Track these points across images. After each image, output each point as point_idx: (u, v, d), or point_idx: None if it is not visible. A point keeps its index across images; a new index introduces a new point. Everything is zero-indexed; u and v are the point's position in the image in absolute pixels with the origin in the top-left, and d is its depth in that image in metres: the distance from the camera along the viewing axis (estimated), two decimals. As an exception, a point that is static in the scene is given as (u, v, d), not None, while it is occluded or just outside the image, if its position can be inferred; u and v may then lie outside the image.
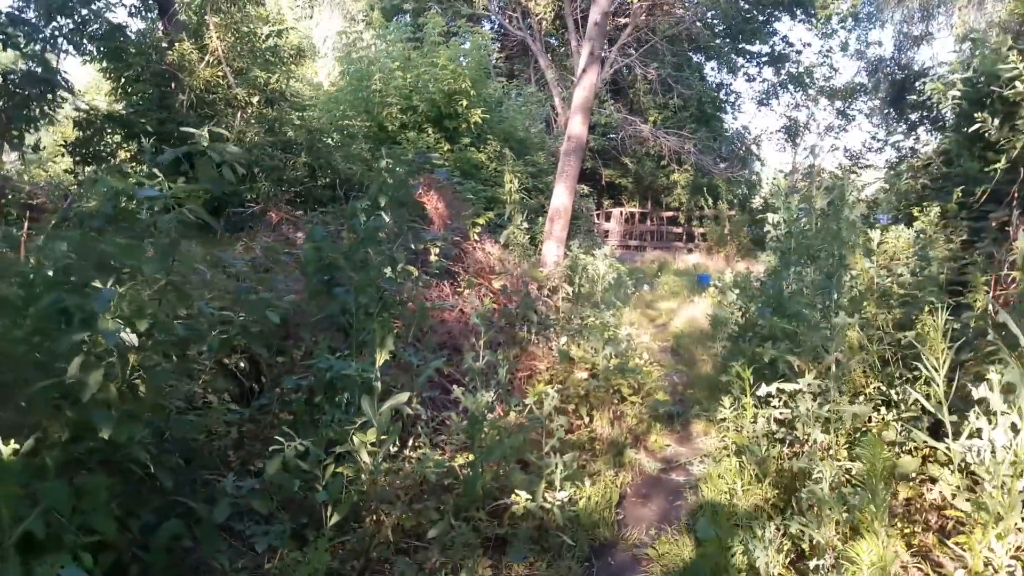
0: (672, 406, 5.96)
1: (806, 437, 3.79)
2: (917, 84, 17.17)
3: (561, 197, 8.04)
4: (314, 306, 4.57)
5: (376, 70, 13.21)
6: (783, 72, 23.07)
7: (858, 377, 4.06)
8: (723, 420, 5.55)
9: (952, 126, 7.72)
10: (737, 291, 8.60)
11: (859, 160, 22.11)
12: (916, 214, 7.06)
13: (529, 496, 3.42)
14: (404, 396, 3.21)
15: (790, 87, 23.09)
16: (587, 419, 5.10)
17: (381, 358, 3.26)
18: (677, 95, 19.61)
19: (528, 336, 5.57)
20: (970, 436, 3.35)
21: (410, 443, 3.93)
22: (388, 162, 5.24)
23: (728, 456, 4.54)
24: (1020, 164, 6.16)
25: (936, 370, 3.46)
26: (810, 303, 4.06)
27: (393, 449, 3.58)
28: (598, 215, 22.04)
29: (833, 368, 3.79)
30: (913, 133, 14.73)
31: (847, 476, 3.66)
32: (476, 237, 7.01)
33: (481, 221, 6.95)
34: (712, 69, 24.01)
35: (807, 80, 22.32)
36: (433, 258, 6.00)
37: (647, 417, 5.57)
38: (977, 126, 7.16)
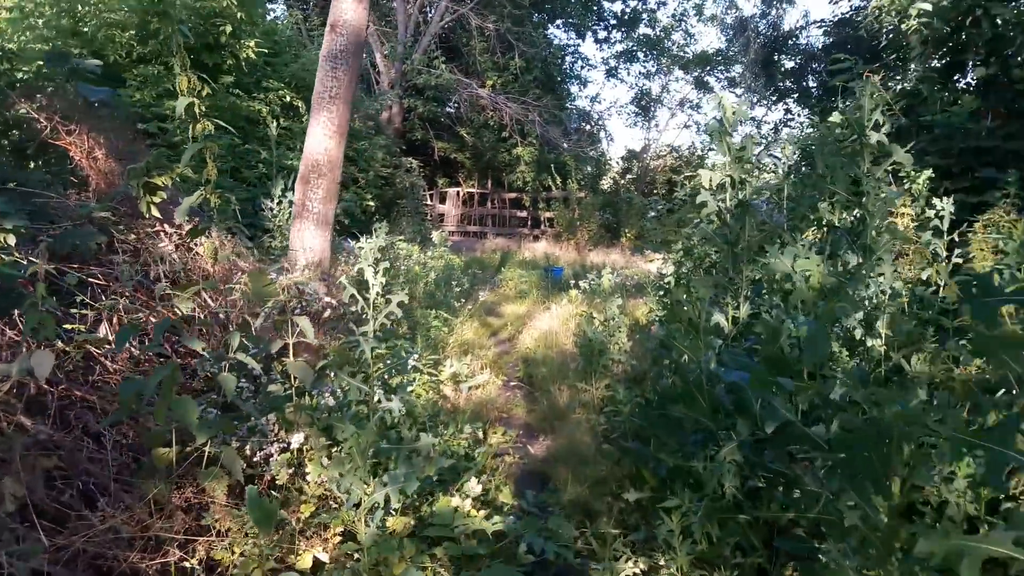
0: (533, 533, 2.93)
1: None
2: (790, 41, 15.72)
3: (322, 138, 4.58)
4: None
5: (90, -28, 9.02)
6: (636, 35, 20.92)
7: None
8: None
9: (917, 56, 5.36)
10: (619, 315, 5.80)
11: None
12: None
13: None
14: None
15: (641, 54, 21.03)
16: None
17: None
18: (519, 54, 16.76)
19: (200, 448, 2.25)
20: None
21: None
22: None
23: None
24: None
25: None
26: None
27: None
28: (431, 196, 18.81)
29: None
30: (784, 102, 13.15)
31: None
32: (156, 213, 3.50)
33: (162, 182, 3.45)
34: (558, 27, 21.40)
35: (662, 44, 20.35)
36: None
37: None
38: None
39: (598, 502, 3.52)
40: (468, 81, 16.74)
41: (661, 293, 4.52)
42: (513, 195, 19.32)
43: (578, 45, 23.97)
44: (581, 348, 5.54)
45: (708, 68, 20.51)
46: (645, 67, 21.92)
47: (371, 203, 11.59)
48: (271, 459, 2.57)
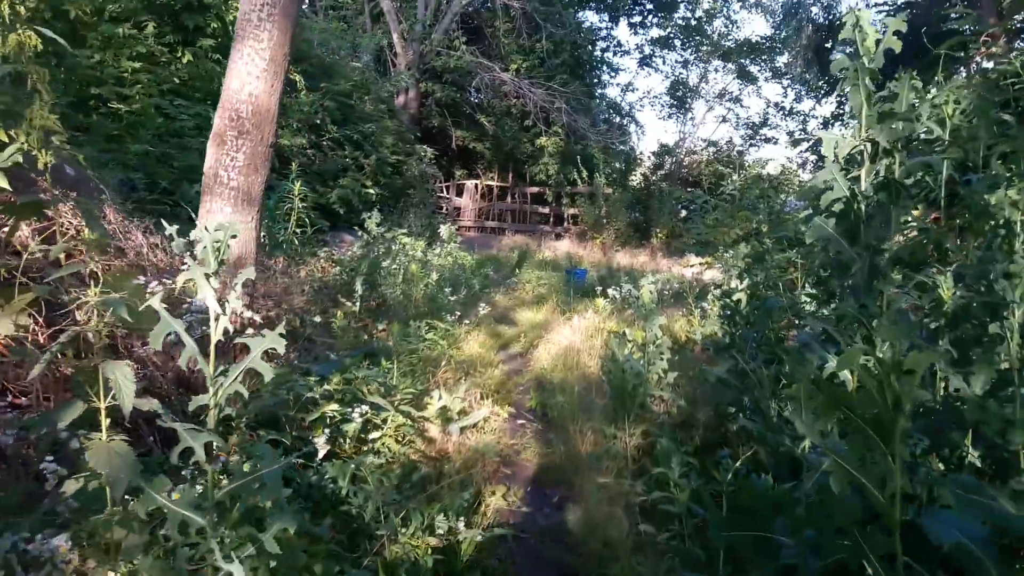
0: None
1: None
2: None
3: (246, 77, 3.24)
4: None
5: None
6: (674, 20, 19.38)
7: None
8: None
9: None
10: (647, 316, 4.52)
11: (758, 133, 19.21)
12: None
13: None
14: None
15: (678, 42, 19.56)
16: None
17: None
18: (546, 36, 15.47)
19: None
20: None
21: None
22: None
23: None
24: None
25: None
26: None
27: None
28: (447, 188, 17.63)
29: None
30: (837, 94, 11.73)
31: None
32: (5, 184, 2.32)
33: (20, 144, 2.28)
34: (590, 8, 19.80)
35: (702, 31, 18.82)
36: None
37: None
38: None
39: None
40: (491, 64, 15.51)
41: (727, 314, 3.28)
42: (535, 189, 18.05)
43: (611, 29, 22.48)
44: (611, 379, 4.31)
45: (752, 57, 18.91)
46: (682, 55, 20.46)
47: (372, 191, 10.41)
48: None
